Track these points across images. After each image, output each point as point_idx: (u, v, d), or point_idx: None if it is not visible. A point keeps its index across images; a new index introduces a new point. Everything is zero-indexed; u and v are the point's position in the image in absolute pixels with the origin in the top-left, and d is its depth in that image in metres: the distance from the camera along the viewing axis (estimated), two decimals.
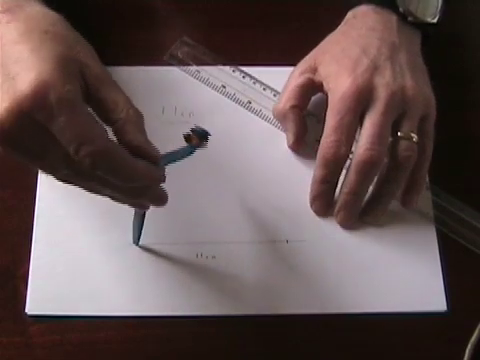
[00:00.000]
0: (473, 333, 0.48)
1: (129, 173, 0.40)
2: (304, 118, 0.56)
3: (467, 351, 0.47)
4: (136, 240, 0.51)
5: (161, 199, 0.44)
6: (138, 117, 0.41)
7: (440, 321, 0.50)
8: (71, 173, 0.40)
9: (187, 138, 0.51)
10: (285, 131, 0.56)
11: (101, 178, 0.40)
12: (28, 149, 0.39)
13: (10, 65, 0.38)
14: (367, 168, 0.50)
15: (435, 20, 0.55)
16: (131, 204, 0.45)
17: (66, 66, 0.38)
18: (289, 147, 0.56)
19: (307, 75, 0.55)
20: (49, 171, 0.41)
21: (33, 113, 0.37)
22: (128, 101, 0.41)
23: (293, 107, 0.55)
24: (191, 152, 0.50)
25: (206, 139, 0.46)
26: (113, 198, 0.44)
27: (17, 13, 0.40)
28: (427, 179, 0.54)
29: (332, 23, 0.57)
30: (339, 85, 0.52)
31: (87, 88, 0.39)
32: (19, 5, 0.41)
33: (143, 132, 0.41)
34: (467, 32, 0.64)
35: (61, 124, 0.37)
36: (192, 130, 0.45)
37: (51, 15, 0.41)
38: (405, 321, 0.50)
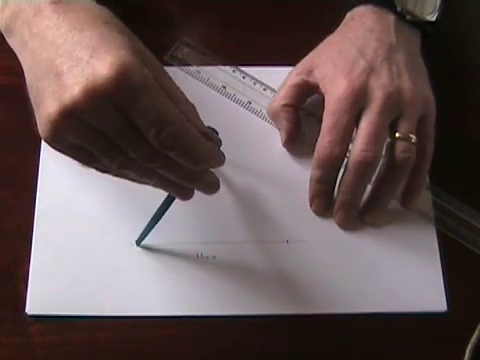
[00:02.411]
0: (473, 333, 0.47)
1: (202, 154, 0.41)
2: (298, 117, 0.56)
3: (467, 351, 0.47)
4: (140, 240, 0.51)
5: (213, 185, 0.45)
6: (195, 108, 0.43)
7: (440, 321, 0.50)
8: (138, 157, 0.40)
9: None
10: (279, 130, 0.56)
11: (168, 161, 0.40)
12: (96, 134, 0.39)
13: (80, 50, 0.38)
14: (363, 168, 0.50)
15: (434, 18, 0.55)
16: (178, 191, 0.45)
17: (137, 53, 0.39)
18: (283, 145, 0.56)
19: (302, 76, 0.55)
20: (108, 157, 0.40)
21: (115, 95, 0.37)
22: (184, 93, 0.42)
23: (286, 106, 0.55)
24: None
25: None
26: (161, 185, 0.44)
27: (71, 4, 0.41)
28: (427, 179, 0.54)
29: (332, 23, 0.57)
30: (335, 87, 0.52)
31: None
32: None
33: (201, 121, 0.43)
34: (467, 32, 0.64)
35: (145, 105, 0.37)
36: None
37: (104, 8, 0.42)
38: (405, 321, 0.50)
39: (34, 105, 0.40)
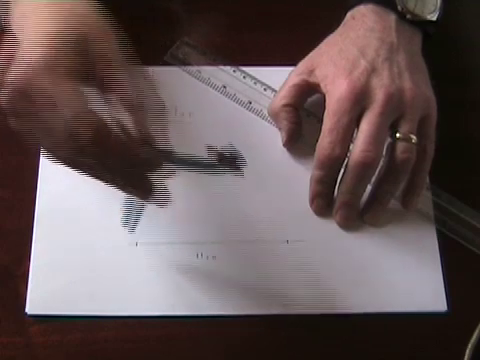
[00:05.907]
0: (473, 333, 0.47)
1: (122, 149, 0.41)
2: (298, 117, 0.56)
3: (467, 351, 0.47)
4: (131, 225, 0.51)
5: (145, 189, 0.44)
6: (144, 108, 0.42)
7: (440, 321, 0.50)
8: (72, 150, 0.40)
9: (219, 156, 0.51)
10: (279, 130, 0.56)
11: (99, 157, 0.41)
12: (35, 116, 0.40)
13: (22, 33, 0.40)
14: (362, 169, 0.50)
15: (435, 18, 0.55)
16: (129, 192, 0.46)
17: (65, 41, 0.40)
18: (283, 146, 0.56)
19: (303, 76, 0.55)
20: (52, 146, 0.41)
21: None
22: (140, 90, 0.41)
23: (286, 106, 0.55)
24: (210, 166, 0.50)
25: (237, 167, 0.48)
26: (114, 184, 0.44)
27: None
28: (427, 179, 0.54)
29: (332, 23, 0.57)
30: (336, 87, 0.52)
31: (90, 66, 0.40)
32: None
33: (145, 123, 0.42)
34: (467, 32, 0.64)
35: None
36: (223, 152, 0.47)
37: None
38: (405, 321, 0.50)
39: None
